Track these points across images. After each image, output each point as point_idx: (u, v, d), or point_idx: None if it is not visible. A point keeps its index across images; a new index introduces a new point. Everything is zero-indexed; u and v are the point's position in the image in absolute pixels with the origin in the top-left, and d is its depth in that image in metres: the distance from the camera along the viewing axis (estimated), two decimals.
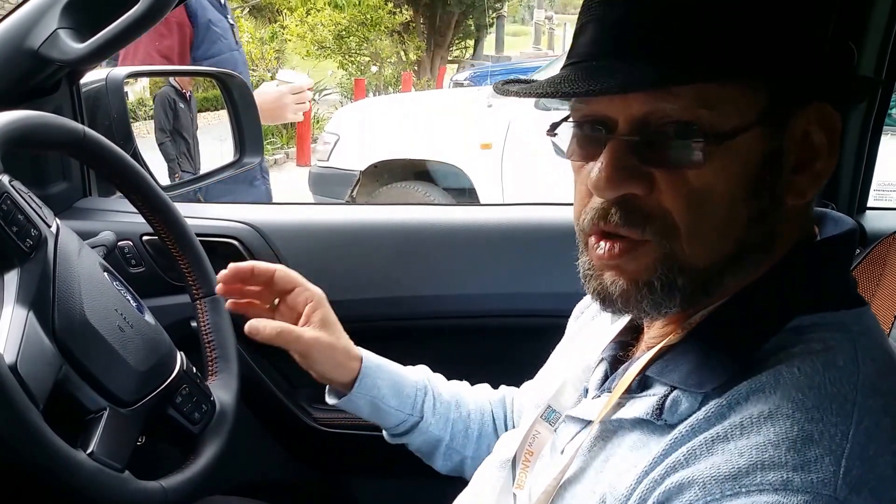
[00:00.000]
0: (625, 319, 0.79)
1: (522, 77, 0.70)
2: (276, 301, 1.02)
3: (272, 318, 1.00)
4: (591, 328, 0.88)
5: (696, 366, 0.63)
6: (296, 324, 0.99)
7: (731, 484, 0.54)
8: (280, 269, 1.00)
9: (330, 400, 1.04)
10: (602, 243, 0.64)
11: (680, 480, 0.56)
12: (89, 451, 0.84)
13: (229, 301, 1.01)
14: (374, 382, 1.00)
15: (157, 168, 1.43)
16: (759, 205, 0.62)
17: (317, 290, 1.02)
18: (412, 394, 1.03)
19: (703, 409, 0.60)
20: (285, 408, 1.45)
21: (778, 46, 0.60)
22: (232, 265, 0.99)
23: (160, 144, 2.08)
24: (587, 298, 0.93)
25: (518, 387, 1.09)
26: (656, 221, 0.62)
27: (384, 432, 1.07)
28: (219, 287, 1.00)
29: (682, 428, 0.60)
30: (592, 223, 0.65)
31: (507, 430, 1.07)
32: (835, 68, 0.66)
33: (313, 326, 0.98)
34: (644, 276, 0.63)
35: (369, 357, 1.03)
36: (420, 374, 1.07)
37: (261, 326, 0.94)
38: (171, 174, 2.04)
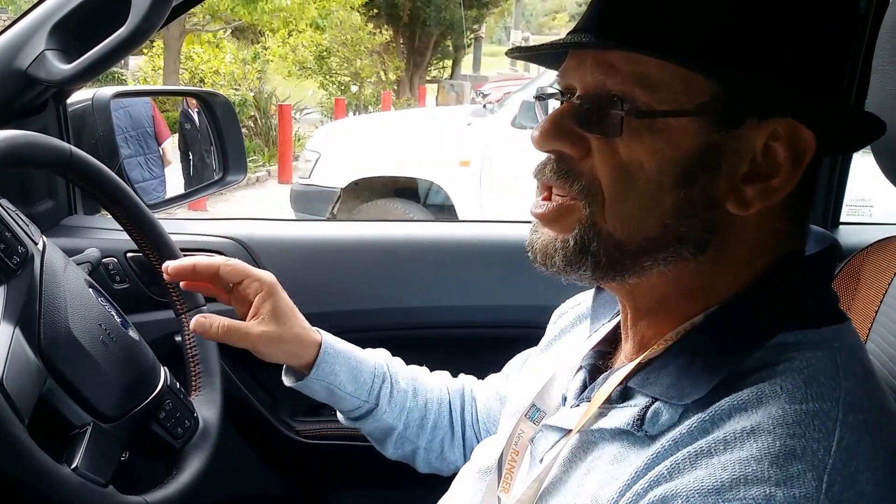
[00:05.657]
0: (605, 329, 0.80)
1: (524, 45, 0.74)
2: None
3: (229, 302, 1.00)
4: (570, 335, 0.89)
5: (678, 378, 0.63)
6: (248, 313, 0.98)
7: (714, 498, 0.54)
8: (224, 264, 0.97)
9: (287, 381, 1.02)
10: (540, 201, 0.68)
11: (663, 494, 0.56)
12: (73, 466, 0.84)
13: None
14: (332, 368, 0.99)
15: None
16: (687, 196, 0.62)
17: (267, 279, 0.99)
18: (369, 380, 1.02)
19: (686, 422, 0.60)
20: (267, 420, 1.45)
21: (734, 45, 0.60)
22: (171, 264, 0.97)
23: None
24: (566, 304, 0.95)
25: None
26: (583, 182, 0.65)
27: (338, 413, 1.06)
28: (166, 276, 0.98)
29: (664, 441, 0.60)
30: (535, 175, 0.69)
31: (463, 421, 1.07)
32: (819, 88, 0.63)
33: (262, 318, 0.96)
34: (563, 233, 0.66)
35: (329, 342, 1.01)
36: (380, 359, 1.06)
37: (207, 324, 0.93)
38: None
